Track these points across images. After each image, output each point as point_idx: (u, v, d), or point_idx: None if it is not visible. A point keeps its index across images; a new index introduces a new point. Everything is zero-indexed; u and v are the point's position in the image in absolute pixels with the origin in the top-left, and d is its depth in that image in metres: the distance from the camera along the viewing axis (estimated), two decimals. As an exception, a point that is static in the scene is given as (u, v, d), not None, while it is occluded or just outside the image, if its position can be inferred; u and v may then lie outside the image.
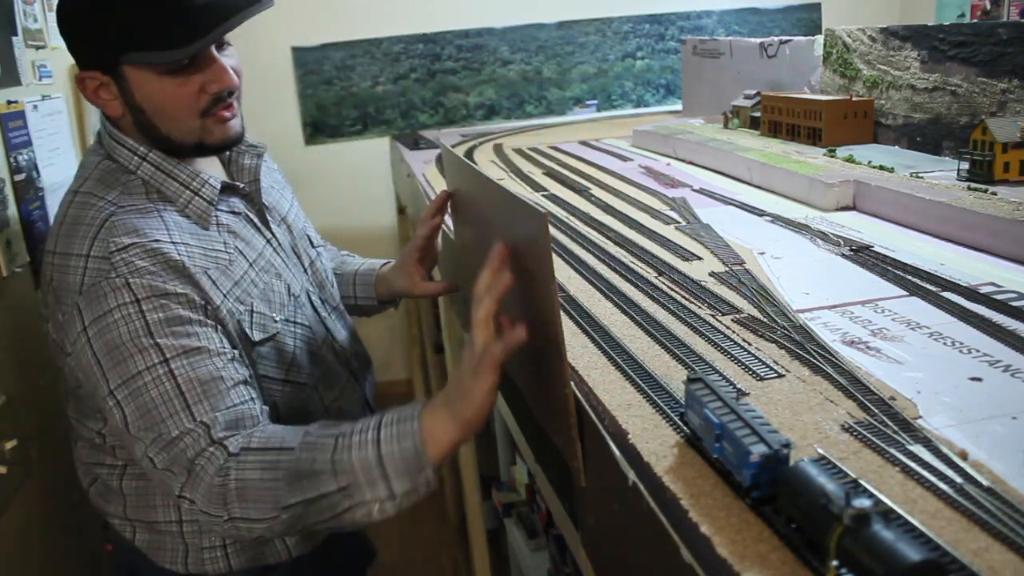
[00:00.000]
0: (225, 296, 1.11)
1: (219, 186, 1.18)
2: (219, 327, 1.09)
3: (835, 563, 0.52)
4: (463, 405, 0.94)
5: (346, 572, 1.48)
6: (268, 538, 1.06)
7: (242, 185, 1.25)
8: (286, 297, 1.23)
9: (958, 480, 0.63)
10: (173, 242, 1.08)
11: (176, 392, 1.02)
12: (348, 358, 1.36)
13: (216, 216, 1.18)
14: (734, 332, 0.96)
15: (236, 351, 1.10)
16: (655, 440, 0.74)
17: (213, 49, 1.11)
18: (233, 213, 1.22)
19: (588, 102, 3.74)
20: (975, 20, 3.17)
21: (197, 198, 1.16)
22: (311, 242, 1.39)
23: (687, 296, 1.10)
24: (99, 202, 1.10)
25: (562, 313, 0.93)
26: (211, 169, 1.23)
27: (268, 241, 1.26)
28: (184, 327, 1.05)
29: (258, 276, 1.19)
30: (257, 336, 1.15)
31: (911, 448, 0.68)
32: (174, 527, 1.19)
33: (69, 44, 1.13)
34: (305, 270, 1.33)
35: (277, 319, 1.19)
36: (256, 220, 1.26)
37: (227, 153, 1.27)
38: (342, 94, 3.55)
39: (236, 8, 1.08)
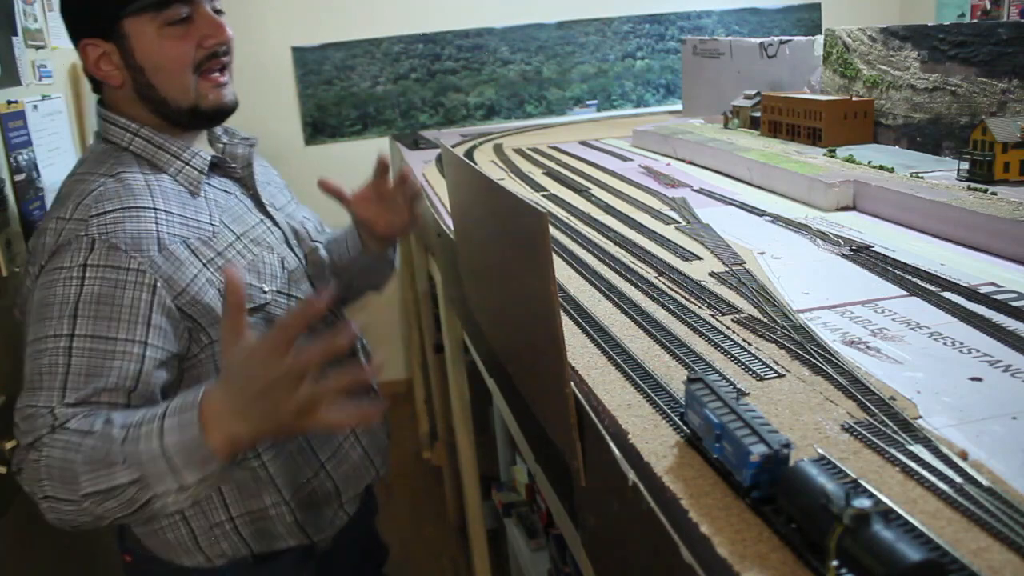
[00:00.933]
0: (205, 265, 1.12)
1: (209, 159, 1.22)
2: (164, 310, 1.07)
3: (835, 563, 0.52)
4: (265, 424, 0.93)
5: (361, 570, 1.48)
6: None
7: (234, 165, 1.29)
8: (279, 269, 1.24)
9: (958, 480, 0.63)
10: (155, 208, 1.10)
11: (64, 369, 1.01)
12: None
13: (206, 189, 1.21)
14: (734, 332, 0.96)
15: (152, 349, 1.05)
16: (655, 440, 0.74)
17: (208, 8, 1.17)
18: (224, 192, 1.25)
19: (588, 102, 3.74)
20: (975, 20, 3.17)
21: (188, 167, 1.20)
22: (310, 236, 1.41)
23: (687, 296, 1.10)
24: (91, 177, 1.13)
25: (562, 313, 0.93)
26: (205, 151, 1.25)
27: (261, 221, 1.28)
28: (110, 309, 1.03)
29: (246, 248, 1.21)
30: None
31: (911, 448, 0.68)
32: (176, 515, 1.19)
33: (70, 13, 1.17)
34: (300, 260, 1.33)
35: (267, 290, 1.20)
36: (248, 203, 1.29)
37: (220, 144, 1.32)
38: (342, 94, 3.55)
39: None
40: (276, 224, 1.31)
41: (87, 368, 1.02)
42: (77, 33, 1.17)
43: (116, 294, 1.04)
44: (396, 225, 1.42)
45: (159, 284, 1.06)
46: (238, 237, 1.20)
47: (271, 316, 1.20)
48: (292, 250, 1.31)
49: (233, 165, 1.29)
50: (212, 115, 1.22)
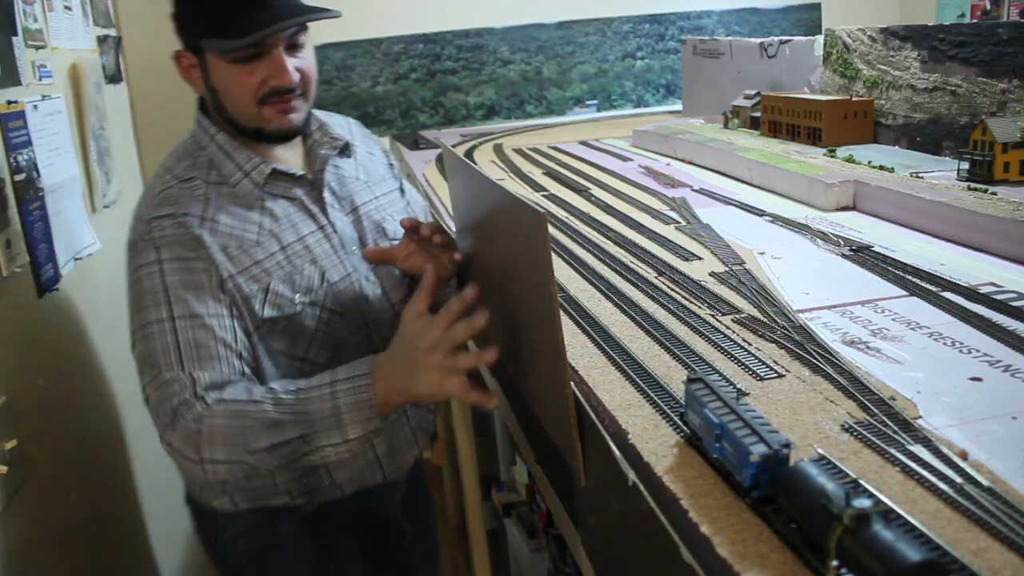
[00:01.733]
0: (239, 272, 1.23)
1: (268, 171, 1.30)
2: (226, 297, 1.22)
3: (835, 563, 0.52)
4: (423, 389, 1.10)
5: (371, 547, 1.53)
6: (231, 484, 1.19)
7: (300, 172, 1.35)
8: (317, 282, 1.31)
9: (958, 480, 0.63)
10: (203, 217, 1.23)
11: (175, 346, 1.18)
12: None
13: (262, 199, 1.29)
14: (734, 332, 0.96)
15: (234, 321, 1.22)
16: (655, 440, 0.74)
17: (281, 47, 1.24)
18: (287, 198, 1.33)
19: (588, 102, 3.74)
20: (975, 20, 3.17)
21: (246, 180, 1.29)
22: (386, 234, 1.43)
23: (687, 296, 1.10)
24: (166, 175, 1.28)
25: (562, 313, 0.93)
26: (288, 155, 1.36)
27: (321, 228, 1.34)
28: (193, 292, 1.20)
29: (287, 259, 1.29)
30: (268, 313, 1.25)
31: (911, 448, 0.68)
32: None
33: (175, 26, 1.30)
34: (351, 268, 1.37)
35: (298, 301, 1.28)
36: (312, 208, 1.35)
37: (311, 142, 1.39)
38: (342, 94, 3.55)
39: (296, 12, 1.24)
40: (335, 229, 1.36)
41: (193, 341, 1.18)
42: (180, 42, 1.30)
43: (195, 278, 1.20)
44: (440, 271, 1.38)
45: (213, 270, 1.21)
46: (282, 248, 1.29)
47: (298, 326, 1.28)
48: (347, 255, 1.36)
49: (298, 173, 1.34)
50: (278, 137, 1.31)
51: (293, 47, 1.27)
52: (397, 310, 1.37)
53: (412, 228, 1.31)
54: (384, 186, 1.49)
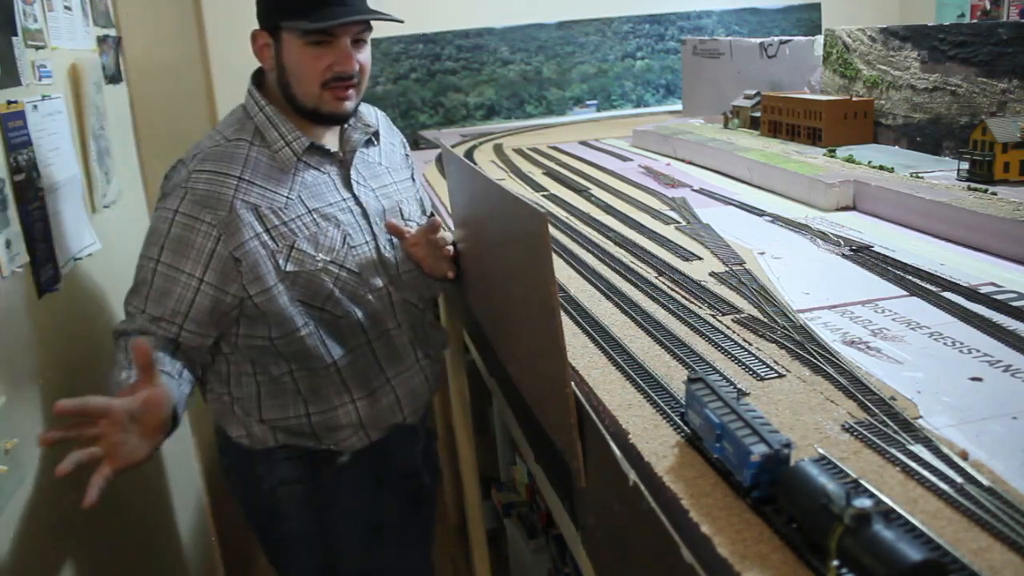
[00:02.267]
0: (267, 230, 1.38)
1: (307, 143, 1.45)
2: (222, 258, 1.35)
3: (836, 563, 0.52)
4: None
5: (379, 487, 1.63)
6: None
7: (333, 149, 1.49)
8: (338, 243, 1.44)
9: (958, 480, 0.63)
10: (239, 177, 1.38)
11: (149, 282, 1.37)
12: (408, 307, 1.55)
13: (297, 168, 1.44)
14: (734, 332, 0.96)
15: (207, 285, 1.36)
16: (655, 440, 0.74)
17: (348, 39, 1.39)
18: (318, 170, 1.48)
19: (588, 102, 3.74)
20: (975, 20, 3.17)
21: (287, 148, 1.44)
22: (402, 214, 1.57)
23: (687, 296, 1.10)
24: (217, 136, 1.44)
25: (562, 313, 0.93)
26: (326, 135, 1.50)
27: (344, 199, 1.48)
28: (184, 246, 1.35)
29: (313, 221, 1.42)
30: (290, 268, 1.39)
31: (911, 448, 0.68)
32: (218, 386, 1.50)
33: (258, 7, 1.45)
34: (372, 237, 1.50)
35: (319, 259, 1.41)
36: (338, 181, 1.50)
37: (346, 126, 1.53)
38: (342, 94, 3.55)
39: (368, 11, 1.42)
40: (359, 202, 1.49)
41: (161, 289, 1.35)
42: (258, 22, 1.45)
43: (190, 238, 1.35)
44: (437, 270, 1.53)
45: (222, 237, 1.35)
46: (309, 211, 1.43)
47: (319, 281, 1.42)
48: (370, 226, 1.50)
49: (332, 149, 1.50)
50: (330, 119, 1.45)
51: (357, 42, 1.42)
52: (408, 280, 1.53)
53: (431, 228, 1.47)
54: (401, 174, 1.64)
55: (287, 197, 1.43)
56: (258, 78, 1.51)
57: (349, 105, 1.45)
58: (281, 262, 1.39)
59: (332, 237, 1.45)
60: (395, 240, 1.54)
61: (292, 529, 1.57)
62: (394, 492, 1.65)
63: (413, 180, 1.69)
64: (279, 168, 1.44)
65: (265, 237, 1.38)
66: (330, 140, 1.53)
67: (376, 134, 1.59)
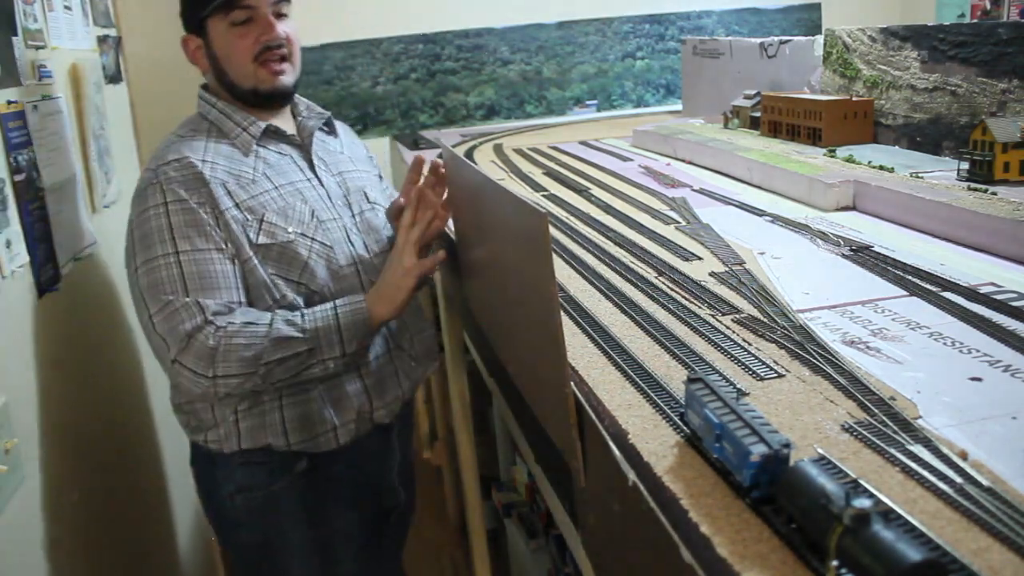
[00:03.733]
0: (237, 205, 1.41)
1: (263, 126, 1.51)
2: (223, 228, 1.39)
3: (835, 563, 0.52)
4: (396, 295, 1.44)
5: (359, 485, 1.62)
6: (235, 394, 1.39)
7: (291, 133, 1.56)
8: (307, 216, 1.48)
9: (958, 480, 0.63)
10: (204, 160, 1.42)
11: (180, 277, 1.35)
12: (375, 283, 1.55)
13: (257, 150, 1.49)
14: (734, 332, 0.96)
15: (233, 250, 1.39)
16: (655, 440, 0.74)
17: (268, 11, 1.46)
18: (279, 153, 1.53)
19: (588, 102, 3.73)
20: (975, 20, 3.17)
21: (245, 133, 1.50)
22: (367, 197, 1.63)
23: (687, 296, 1.10)
24: (171, 136, 1.49)
25: (562, 313, 0.93)
26: (279, 120, 1.55)
27: (307, 179, 1.53)
28: (195, 229, 1.37)
29: (280, 196, 1.47)
30: (262, 240, 1.42)
31: (911, 448, 0.68)
32: (202, 402, 1.47)
33: (182, 16, 1.52)
34: (353, 214, 1.57)
35: (290, 230, 1.45)
36: (301, 164, 1.55)
37: (300, 118, 1.61)
38: (342, 94, 3.55)
39: None
40: (322, 184, 1.54)
41: (197, 273, 1.35)
42: (185, 29, 1.52)
43: (196, 217, 1.37)
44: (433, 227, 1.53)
45: (215, 212, 1.38)
46: (276, 187, 1.47)
47: (292, 253, 1.44)
48: (333, 206, 1.54)
49: (291, 133, 1.56)
50: (271, 95, 1.50)
51: (279, 15, 1.49)
52: (377, 263, 1.56)
53: (433, 169, 1.52)
54: (364, 165, 1.70)
55: (253, 174, 1.47)
56: (206, 86, 1.56)
57: (286, 79, 1.51)
58: (252, 235, 1.41)
59: (301, 211, 1.48)
60: (360, 223, 1.59)
61: (247, 538, 1.56)
62: (363, 506, 1.62)
63: (381, 178, 1.76)
64: (240, 151, 1.48)
65: (235, 211, 1.41)
66: (285, 125, 1.58)
67: (331, 123, 1.66)
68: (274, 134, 1.54)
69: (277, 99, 1.54)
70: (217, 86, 1.54)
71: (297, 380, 1.41)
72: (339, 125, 1.71)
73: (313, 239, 1.48)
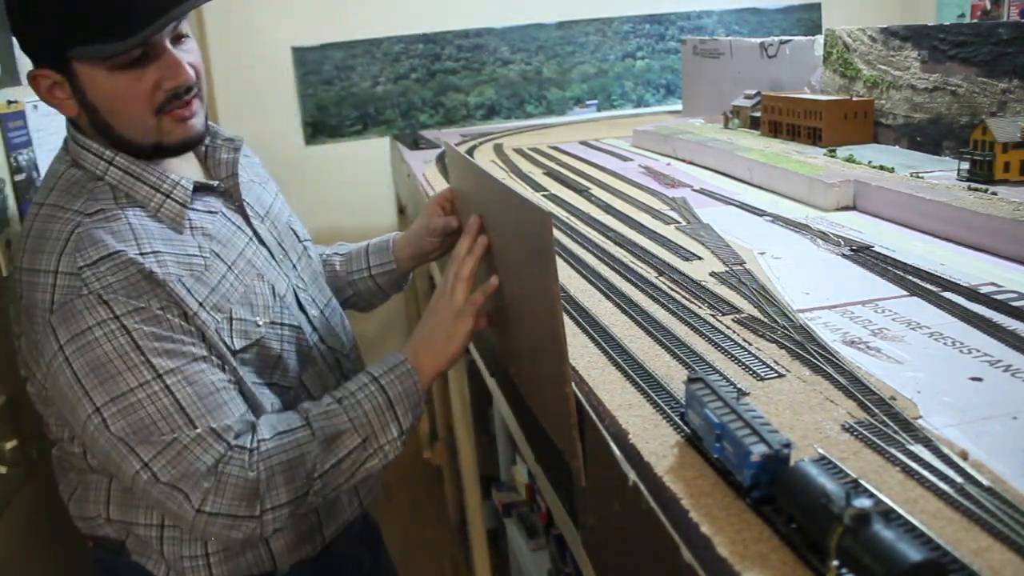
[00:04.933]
0: (201, 304, 1.07)
1: (191, 187, 1.13)
2: (197, 332, 1.06)
3: (835, 563, 0.52)
4: (448, 344, 1.12)
5: (358, 560, 1.45)
6: (283, 527, 1.09)
7: (218, 183, 1.21)
8: (271, 299, 1.19)
9: (958, 480, 0.63)
10: (142, 252, 1.04)
11: (176, 408, 1.01)
12: (338, 358, 1.33)
13: (190, 219, 1.13)
14: (734, 332, 0.96)
15: (216, 358, 1.08)
16: (655, 440, 0.74)
17: (168, 42, 1.05)
18: (210, 212, 1.17)
19: (588, 102, 3.74)
20: (975, 20, 3.17)
21: (169, 201, 1.11)
22: (297, 236, 1.36)
23: (687, 296, 1.10)
24: (65, 214, 1.05)
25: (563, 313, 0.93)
26: (185, 167, 1.18)
27: (250, 239, 1.22)
28: (171, 338, 1.02)
29: (238, 279, 1.15)
30: (238, 344, 1.11)
31: (911, 448, 0.68)
32: (154, 532, 1.16)
33: (19, 40, 1.08)
34: (293, 265, 1.30)
35: (260, 323, 1.15)
36: (235, 218, 1.21)
37: (202, 148, 1.23)
38: (342, 94, 3.55)
39: None
40: (263, 242, 1.24)
41: (196, 394, 1.02)
42: (30, 59, 1.08)
43: (164, 326, 1.02)
44: (432, 250, 1.44)
45: (185, 313, 1.05)
46: (229, 267, 1.14)
47: (266, 350, 1.16)
48: (279, 266, 1.25)
49: (217, 184, 1.20)
50: (178, 149, 1.14)
51: (177, 39, 1.08)
52: (330, 319, 1.33)
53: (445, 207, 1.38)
54: (272, 187, 1.38)
55: (202, 256, 1.11)
56: (73, 123, 1.14)
57: (197, 123, 1.12)
58: (228, 339, 1.10)
59: (262, 292, 1.18)
60: (302, 274, 1.30)
61: None
62: None
63: (279, 192, 1.41)
64: (171, 228, 1.10)
65: (203, 315, 1.07)
66: (192, 171, 1.20)
67: (238, 148, 1.26)
68: (199, 188, 1.16)
69: (189, 149, 1.17)
70: (95, 133, 1.11)
71: (351, 483, 1.12)
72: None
73: (282, 324, 1.20)
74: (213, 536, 1.06)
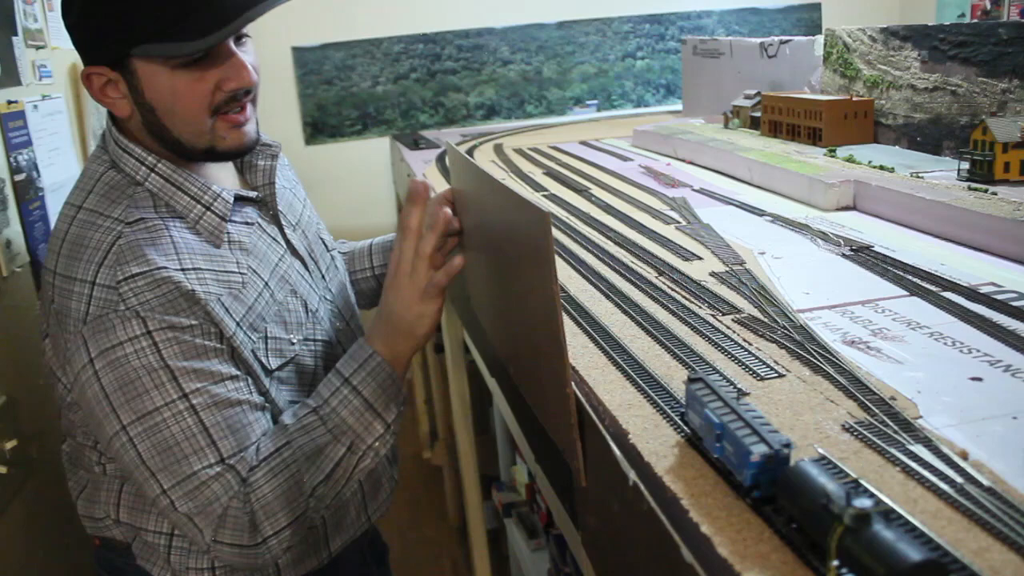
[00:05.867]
0: (238, 324, 1.06)
1: (232, 199, 1.12)
2: (234, 354, 1.06)
3: (836, 563, 0.52)
4: (419, 324, 1.09)
5: (365, 568, 1.44)
6: (292, 545, 1.07)
7: (256, 194, 1.19)
8: (303, 315, 1.18)
9: (959, 480, 0.63)
10: (183, 269, 1.03)
11: (200, 428, 1.00)
12: None
13: (228, 233, 1.11)
14: (734, 332, 0.96)
15: (250, 378, 1.08)
16: (656, 440, 0.74)
17: (231, 42, 1.04)
18: (246, 224, 1.15)
19: (588, 102, 3.74)
20: (975, 20, 3.17)
21: (209, 213, 1.10)
22: (326, 245, 1.34)
23: (687, 296, 1.10)
24: (105, 222, 1.04)
25: (563, 313, 0.93)
26: (223, 174, 1.18)
27: (285, 252, 1.20)
28: (202, 359, 1.01)
29: (272, 297, 1.13)
30: (274, 363, 1.11)
31: (912, 448, 0.68)
32: (162, 540, 1.16)
33: (74, 37, 1.06)
34: (323, 276, 1.29)
35: (295, 341, 1.14)
36: (271, 229, 1.20)
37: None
38: (342, 94, 3.55)
39: None
40: (296, 253, 1.23)
41: (224, 419, 1.02)
42: (82, 57, 1.07)
43: (196, 343, 1.01)
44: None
45: (211, 328, 1.04)
46: (266, 284, 1.13)
47: (301, 368, 1.15)
48: (311, 280, 1.24)
49: (256, 194, 1.18)
50: (231, 155, 1.13)
51: (239, 38, 1.07)
52: (355, 329, 1.31)
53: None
54: (301, 192, 1.36)
55: (240, 273, 1.09)
56: (116, 124, 1.12)
57: (250, 129, 1.11)
58: (264, 359, 1.09)
59: (295, 310, 1.16)
60: (330, 284, 1.28)
61: None
62: None
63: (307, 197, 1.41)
64: (210, 241, 1.09)
65: (240, 335, 1.06)
66: (230, 179, 1.19)
67: (276, 155, 1.24)
68: (238, 200, 1.14)
69: (238, 157, 1.16)
70: (144, 134, 1.09)
71: (352, 486, 1.11)
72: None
73: (316, 340, 1.18)
74: (228, 563, 1.08)
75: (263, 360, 1.09)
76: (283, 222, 1.23)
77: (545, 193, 1.88)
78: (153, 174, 1.08)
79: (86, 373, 1.01)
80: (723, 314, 1.02)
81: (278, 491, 1.02)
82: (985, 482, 0.62)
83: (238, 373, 1.05)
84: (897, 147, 1.82)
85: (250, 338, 1.08)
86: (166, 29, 0.98)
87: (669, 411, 0.79)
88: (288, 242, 1.22)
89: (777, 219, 1.47)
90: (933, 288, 1.06)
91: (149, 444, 1.00)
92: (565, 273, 1.27)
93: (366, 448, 1.07)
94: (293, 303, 1.17)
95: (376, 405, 1.07)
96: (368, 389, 1.07)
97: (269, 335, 1.11)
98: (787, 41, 2.42)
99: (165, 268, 1.01)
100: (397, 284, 1.09)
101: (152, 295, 1.00)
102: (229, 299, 1.06)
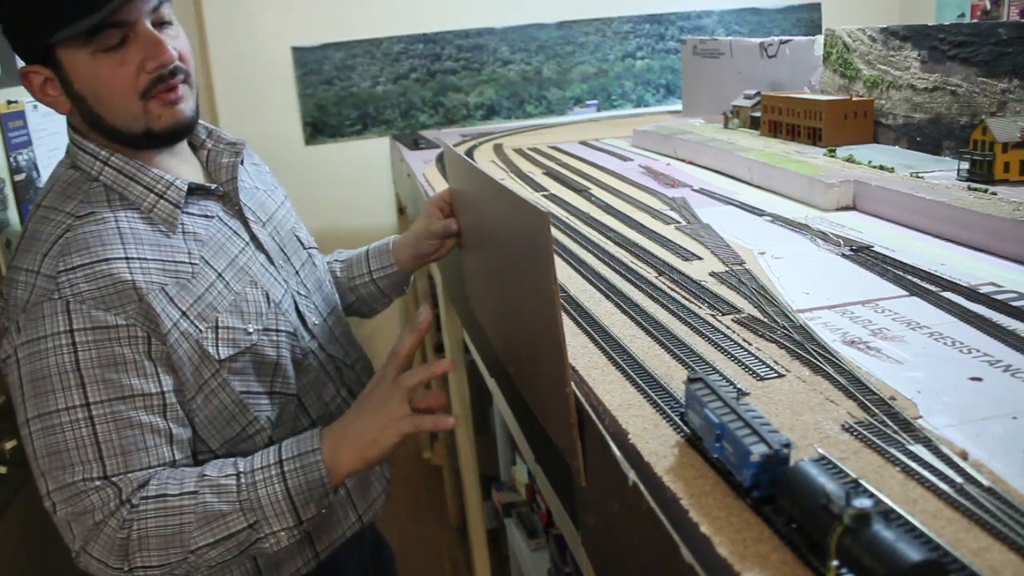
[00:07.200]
0: (184, 314, 1.07)
1: (186, 188, 1.13)
2: (162, 360, 1.05)
3: (835, 563, 0.52)
4: (370, 448, 1.07)
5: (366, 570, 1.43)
6: None
7: (215, 186, 1.21)
8: (264, 305, 1.18)
9: (958, 480, 0.63)
10: (127, 258, 1.04)
11: (92, 441, 1.00)
12: (339, 367, 1.33)
13: (183, 223, 1.13)
14: (734, 332, 0.96)
15: (165, 396, 1.05)
16: (655, 440, 0.74)
17: (148, 24, 1.06)
18: (205, 216, 1.17)
19: (588, 102, 3.74)
20: (975, 20, 3.17)
21: (162, 201, 1.11)
22: (302, 243, 1.36)
23: (687, 296, 1.10)
24: (56, 215, 1.07)
25: (562, 313, 0.93)
26: (187, 169, 1.20)
27: (247, 244, 1.21)
28: (116, 370, 1.01)
29: (227, 287, 1.14)
30: (224, 353, 1.10)
31: (911, 448, 0.68)
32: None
33: (9, 38, 1.09)
34: (296, 272, 1.29)
35: (251, 330, 1.14)
36: (233, 223, 1.21)
37: (205, 152, 1.25)
38: (342, 94, 3.55)
39: None
40: (261, 247, 1.24)
41: (119, 437, 1.01)
42: (21, 57, 1.10)
43: (115, 351, 1.01)
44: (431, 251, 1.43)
45: (151, 336, 1.04)
46: (219, 275, 1.13)
47: (260, 357, 1.15)
48: (279, 274, 1.24)
49: (214, 186, 1.20)
50: (169, 135, 1.13)
51: (160, 24, 1.08)
52: (334, 329, 1.32)
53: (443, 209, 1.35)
54: (278, 194, 1.38)
55: (190, 263, 1.10)
56: (73, 125, 1.15)
57: (185, 108, 1.12)
58: (211, 349, 1.09)
59: (255, 299, 1.16)
60: (305, 281, 1.29)
61: None
62: None
63: (286, 197, 1.42)
64: (162, 231, 1.10)
65: (184, 324, 1.06)
66: (193, 174, 1.20)
67: (239, 152, 1.26)
68: (193, 191, 1.15)
69: (179, 137, 1.16)
70: (88, 129, 1.11)
71: (240, 560, 1.10)
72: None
73: (278, 331, 1.18)
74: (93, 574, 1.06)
75: (210, 351, 1.09)
76: (249, 217, 1.24)
77: (545, 193, 1.88)
78: (107, 167, 1.11)
79: (12, 357, 1.03)
80: (723, 314, 1.03)
81: (162, 532, 1.01)
82: (985, 482, 0.62)
83: (153, 391, 1.04)
84: (897, 147, 1.82)
85: (197, 327, 1.08)
86: (73, 10, 1.01)
87: (669, 411, 0.79)
88: (253, 236, 1.23)
89: (777, 219, 1.47)
90: (933, 288, 1.06)
91: (43, 444, 1.01)
92: (565, 273, 1.27)
93: (269, 532, 1.04)
94: (253, 294, 1.17)
95: (296, 499, 1.05)
96: (294, 481, 1.05)
97: (220, 324, 1.11)
98: (787, 41, 2.42)
99: (107, 260, 1.03)
100: (366, 404, 1.10)
101: (87, 287, 1.01)
102: (175, 288, 1.07)
